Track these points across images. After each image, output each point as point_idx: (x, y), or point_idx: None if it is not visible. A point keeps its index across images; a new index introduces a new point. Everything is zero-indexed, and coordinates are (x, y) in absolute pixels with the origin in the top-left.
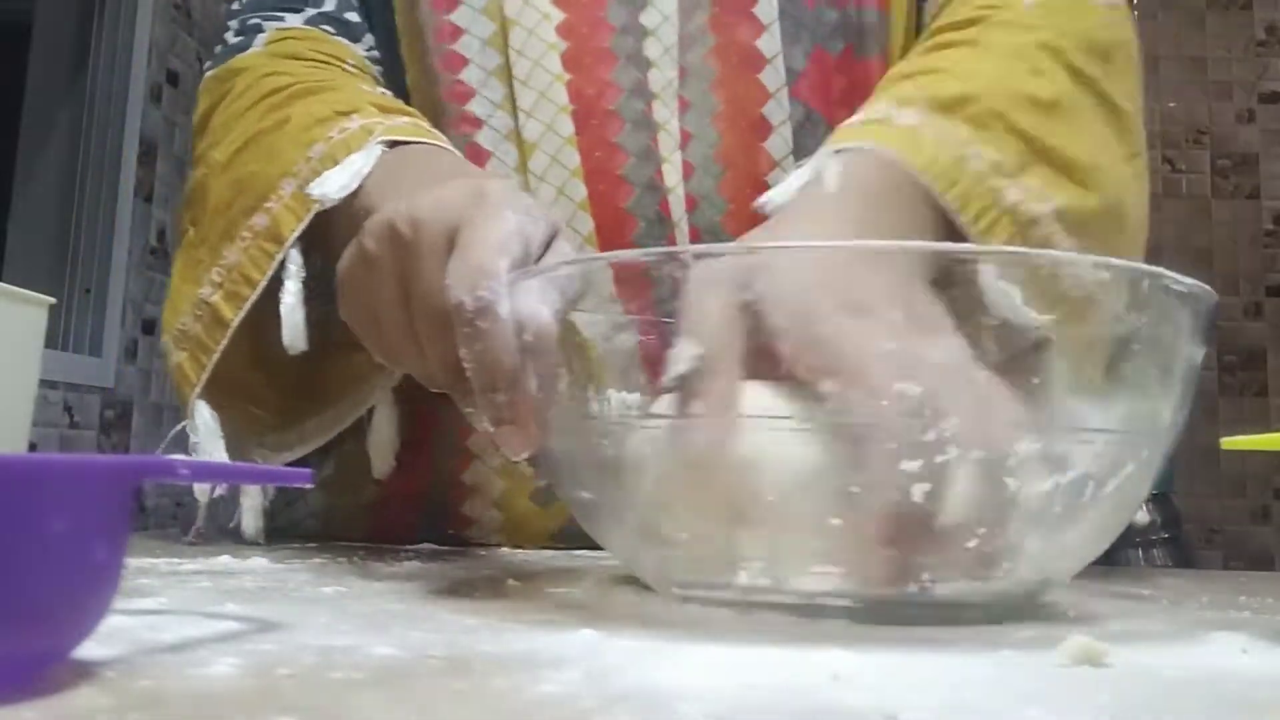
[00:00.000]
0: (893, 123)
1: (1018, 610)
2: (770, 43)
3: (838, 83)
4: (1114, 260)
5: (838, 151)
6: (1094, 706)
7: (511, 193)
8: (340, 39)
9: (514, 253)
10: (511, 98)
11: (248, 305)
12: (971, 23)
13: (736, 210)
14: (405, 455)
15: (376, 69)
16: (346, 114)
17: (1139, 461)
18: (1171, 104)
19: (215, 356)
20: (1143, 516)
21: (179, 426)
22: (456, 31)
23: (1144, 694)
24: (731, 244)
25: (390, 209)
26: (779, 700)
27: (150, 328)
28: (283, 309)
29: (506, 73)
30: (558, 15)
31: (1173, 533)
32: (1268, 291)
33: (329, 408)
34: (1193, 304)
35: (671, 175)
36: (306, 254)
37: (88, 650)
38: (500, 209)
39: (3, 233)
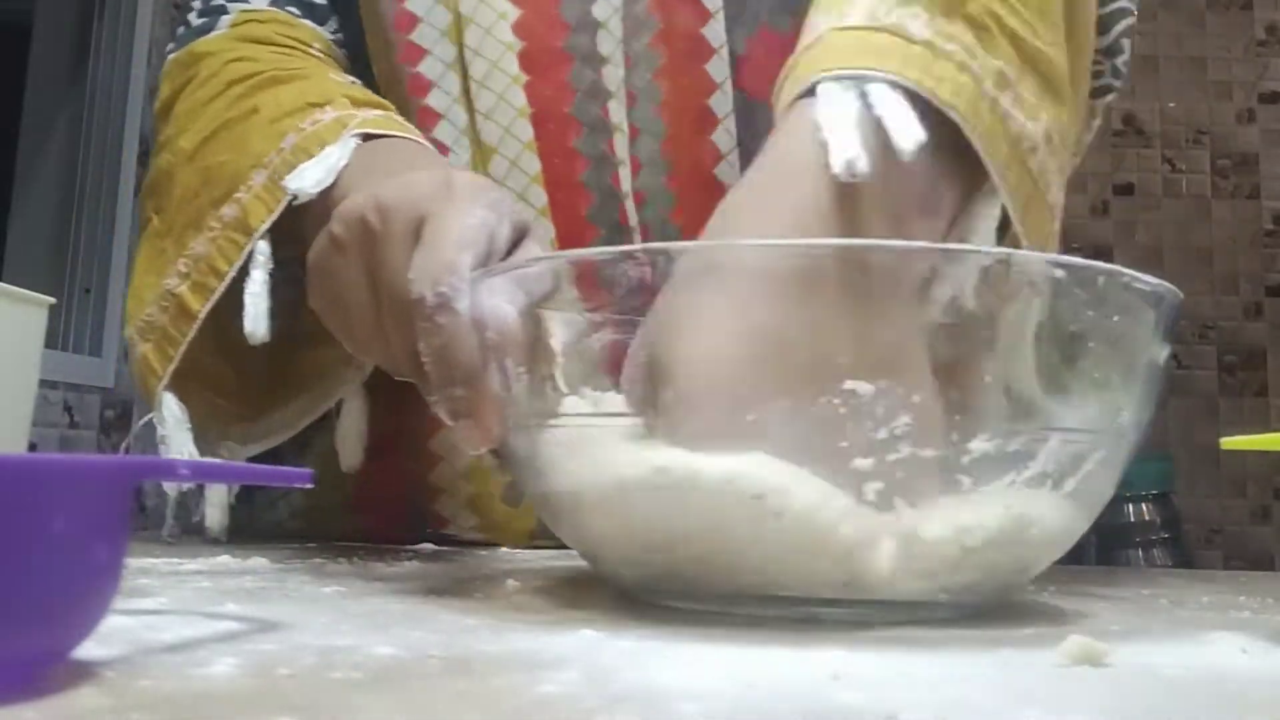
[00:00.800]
0: (906, 34)
1: (985, 611)
2: (715, 30)
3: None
4: (1074, 260)
5: (856, 79)
6: (1094, 706)
7: (480, 186)
8: (306, 21)
9: (478, 248)
10: (467, 93)
11: (215, 297)
12: None
13: (684, 204)
14: (374, 456)
15: (341, 52)
16: (319, 105)
17: (1099, 461)
18: (1171, 104)
19: (182, 348)
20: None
21: (144, 419)
22: (413, 21)
23: (1144, 694)
24: (697, 243)
25: (359, 197)
26: (779, 700)
27: None
28: (247, 298)
29: (462, 67)
30: (514, 12)
31: (1173, 533)
32: (1268, 291)
33: (296, 400)
34: (1154, 302)
35: (626, 181)
36: (275, 245)
37: (88, 650)
38: (467, 202)
39: (3, 233)
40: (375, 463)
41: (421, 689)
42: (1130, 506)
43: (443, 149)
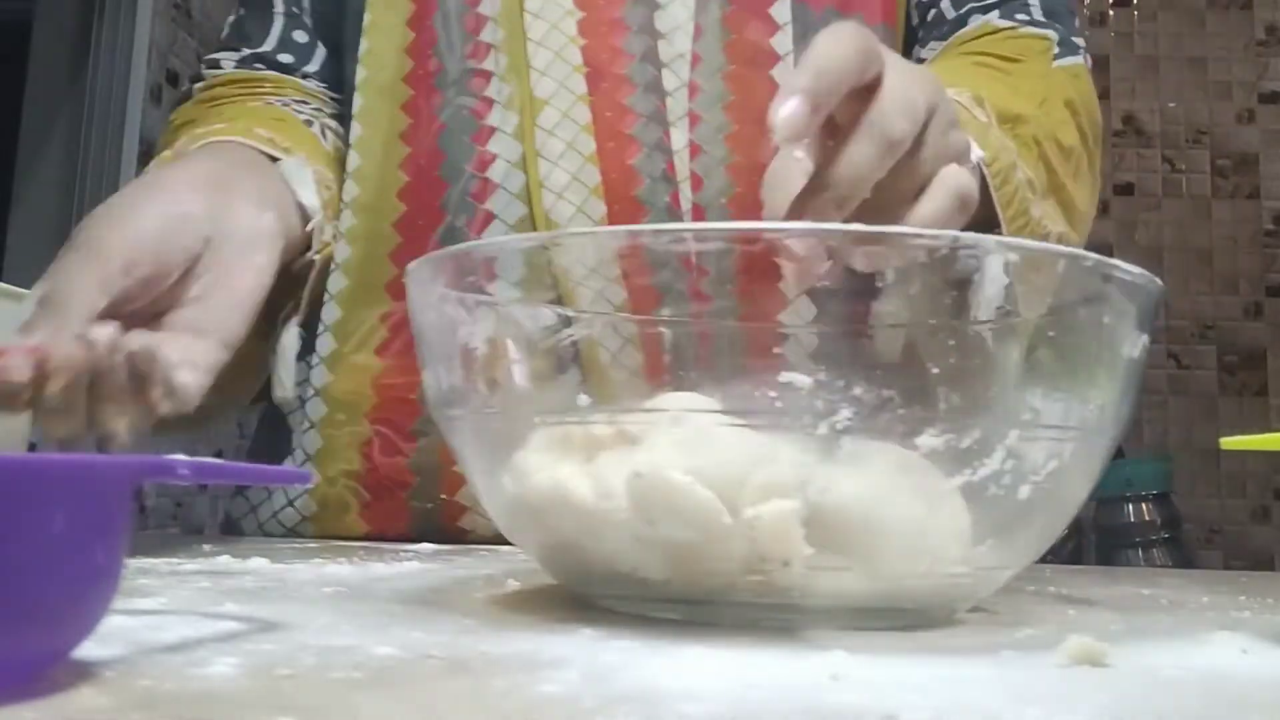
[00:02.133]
0: (973, 114)
1: (970, 611)
2: (783, 41)
3: None
4: (1029, 243)
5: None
6: (1094, 706)
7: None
8: (270, 72)
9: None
10: (517, 66)
11: None
12: (1010, 60)
13: (742, 194)
14: (391, 436)
15: (322, 86)
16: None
17: (1069, 457)
18: (1171, 104)
19: None
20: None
21: None
22: None
23: (1144, 694)
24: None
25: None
26: (779, 700)
27: None
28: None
29: (516, 42)
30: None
31: (1173, 533)
32: (1268, 291)
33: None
34: (1129, 292)
35: (679, 139)
36: None
37: (88, 650)
38: (54, 275)
39: (3, 231)
40: (389, 458)
41: (421, 689)
42: (1130, 506)
43: (487, 128)
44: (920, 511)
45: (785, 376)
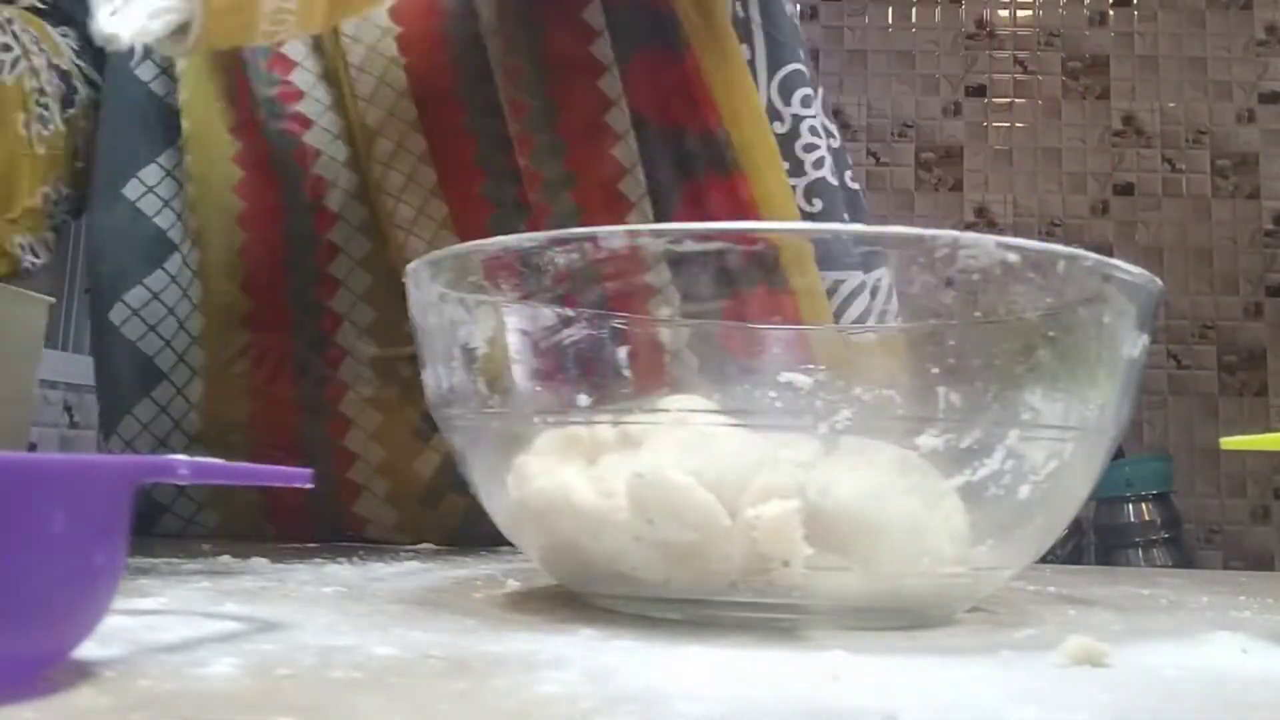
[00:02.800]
0: None
1: (970, 611)
2: (604, 49)
3: (663, 82)
4: (1028, 243)
5: None
6: (1094, 706)
7: None
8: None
9: None
10: (341, 100)
11: None
12: None
13: (589, 220)
14: (280, 460)
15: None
16: None
17: (1073, 455)
18: (1171, 104)
19: None
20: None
21: None
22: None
23: (1144, 694)
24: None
25: None
26: (779, 700)
27: None
28: None
29: (336, 75)
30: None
31: (1173, 533)
32: (1268, 291)
33: None
34: (1129, 291)
35: (524, 159)
36: None
37: (88, 650)
38: None
39: None
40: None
41: (421, 689)
42: (1130, 506)
43: (309, 152)
44: (919, 511)
45: (785, 376)
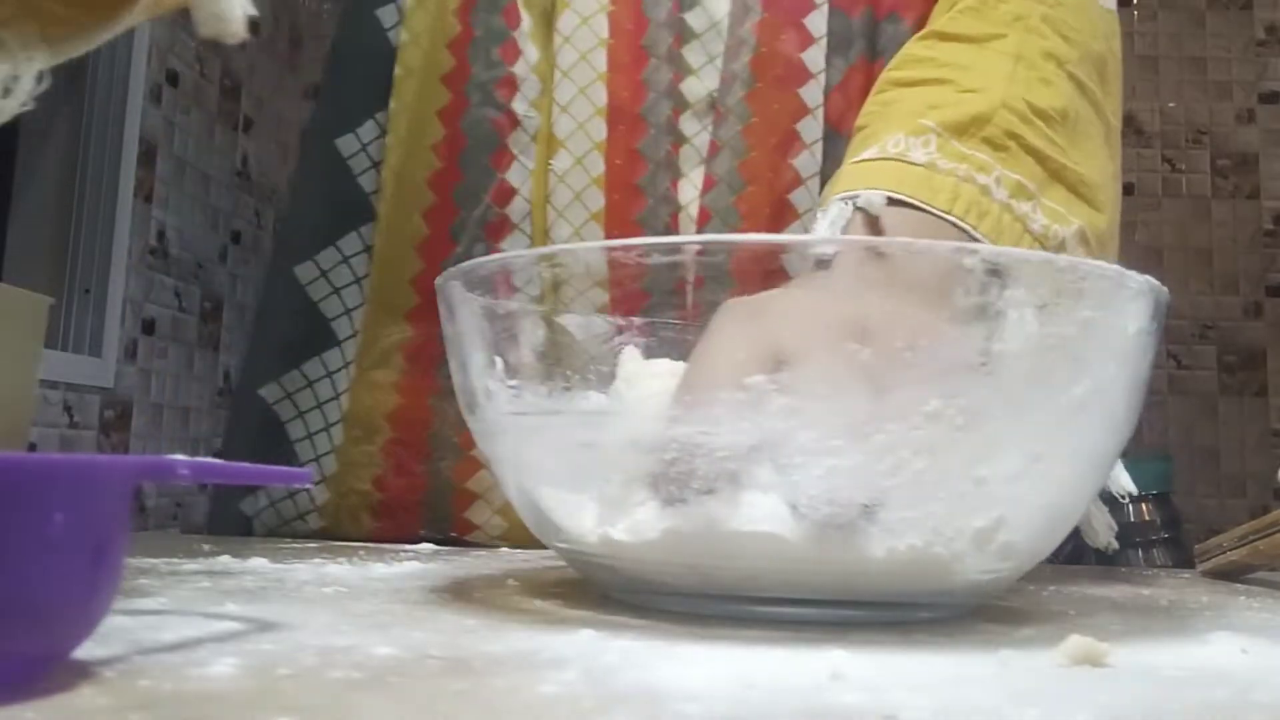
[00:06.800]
0: (909, 159)
1: (970, 611)
2: (816, 57)
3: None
4: (1041, 255)
5: (853, 197)
6: (1094, 706)
7: None
8: None
9: None
10: (549, 94)
11: None
12: (967, 41)
13: (749, 227)
14: (404, 457)
15: None
16: None
17: (1074, 456)
18: (1171, 104)
19: None
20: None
21: None
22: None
23: (1144, 694)
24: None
25: None
26: (779, 700)
27: (150, 327)
28: None
29: (547, 66)
30: (607, 4)
31: (1173, 533)
32: (1268, 291)
33: None
34: (1134, 297)
35: (687, 191)
36: None
37: (88, 650)
38: None
39: (3, 233)
40: (404, 464)
41: (421, 689)
42: (1130, 506)
43: (508, 155)
44: (919, 510)
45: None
